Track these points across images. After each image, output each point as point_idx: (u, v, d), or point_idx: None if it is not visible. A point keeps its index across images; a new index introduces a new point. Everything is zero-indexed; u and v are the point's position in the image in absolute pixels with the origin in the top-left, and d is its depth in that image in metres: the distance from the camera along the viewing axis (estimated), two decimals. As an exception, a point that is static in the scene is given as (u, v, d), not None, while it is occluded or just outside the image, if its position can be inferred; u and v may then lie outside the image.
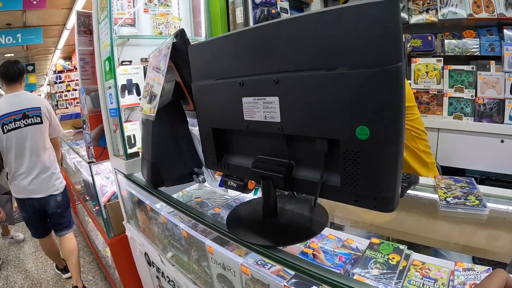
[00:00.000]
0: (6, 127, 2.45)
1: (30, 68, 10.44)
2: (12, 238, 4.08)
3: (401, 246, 1.06)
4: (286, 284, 0.85)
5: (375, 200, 0.66)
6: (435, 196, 1.20)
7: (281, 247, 0.82)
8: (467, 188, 1.19)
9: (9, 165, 2.56)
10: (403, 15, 2.84)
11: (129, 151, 1.73)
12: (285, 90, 0.71)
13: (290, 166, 0.78)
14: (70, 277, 2.90)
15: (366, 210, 0.68)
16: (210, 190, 1.51)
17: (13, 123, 2.47)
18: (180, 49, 1.13)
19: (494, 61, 2.56)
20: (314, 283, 0.81)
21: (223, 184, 1.06)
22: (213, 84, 0.90)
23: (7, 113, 2.46)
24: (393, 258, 1.01)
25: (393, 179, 0.63)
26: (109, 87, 1.75)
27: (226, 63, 0.86)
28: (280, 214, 0.90)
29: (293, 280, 0.88)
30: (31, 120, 2.54)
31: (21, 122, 2.50)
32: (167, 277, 1.47)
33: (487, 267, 0.95)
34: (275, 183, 0.80)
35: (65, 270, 3.12)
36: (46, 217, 2.75)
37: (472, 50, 2.71)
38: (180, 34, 1.14)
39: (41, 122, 2.59)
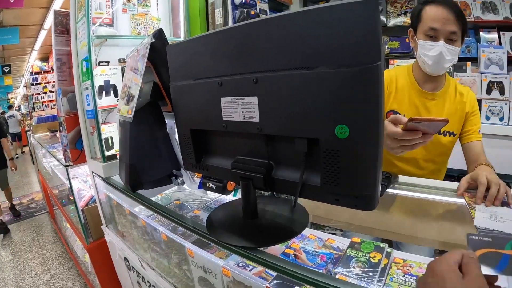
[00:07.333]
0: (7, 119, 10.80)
1: (6, 69, 10.21)
2: None
3: (382, 245, 1.07)
4: (268, 285, 0.85)
5: (356, 199, 0.65)
6: (416, 194, 1.22)
7: (262, 248, 0.81)
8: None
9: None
10: (381, 17, 2.88)
11: (107, 153, 1.69)
12: (264, 90, 0.70)
13: (269, 167, 0.77)
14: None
15: (345, 210, 0.68)
16: (190, 192, 1.50)
17: (8, 117, 10.81)
18: (158, 50, 1.11)
19: (470, 63, 2.63)
20: (297, 284, 0.80)
21: (202, 186, 1.04)
22: (192, 84, 0.88)
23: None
24: (375, 256, 1.01)
25: (373, 178, 0.62)
26: (86, 88, 1.71)
27: (205, 63, 0.85)
28: (261, 215, 0.89)
29: (275, 281, 0.87)
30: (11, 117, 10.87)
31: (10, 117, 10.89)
32: (148, 282, 1.44)
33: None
34: (255, 184, 0.79)
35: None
36: (16, 137, 10.96)
37: (449, 51, 2.76)
38: (159, 34, 1.12)
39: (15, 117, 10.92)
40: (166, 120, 1.24)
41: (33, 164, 6.59)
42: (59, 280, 3.22)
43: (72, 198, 2.30)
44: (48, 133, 5.18)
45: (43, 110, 9.11)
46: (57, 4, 4.90)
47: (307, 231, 1.25)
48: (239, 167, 0.81)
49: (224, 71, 0.78)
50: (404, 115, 1.49)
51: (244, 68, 0.74)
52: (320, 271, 0.95)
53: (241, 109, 0.75)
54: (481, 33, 2.68)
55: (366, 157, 0.62)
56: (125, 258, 1.64)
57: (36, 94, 9.47)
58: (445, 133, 1.49)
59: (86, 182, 2.51)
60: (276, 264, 0.74)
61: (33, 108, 9.21)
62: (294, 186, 0.72)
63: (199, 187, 1.16)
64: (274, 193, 0.81)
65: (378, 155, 0.61)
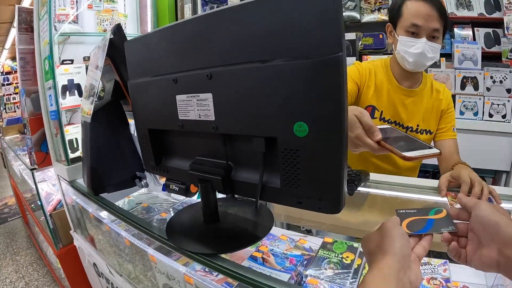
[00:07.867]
0: None
1: (-25, 69, 9.87)
2: None
3: (355, 244, 1.05)
4: (230, 292, 0.81)
5: (319, 202, 0.61)
6: (391, 193, 1.20)
7: (223, 255, 0.77)
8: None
9: None
10: (355, 14, 2.87)
11: (72, 155, 1.62)
12: (218, 86, 0.65)
13: (228, 168, 0.73)
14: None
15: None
16: (158, 195, 1.44)
17: None
18: (117, 46, 1.05)
19: (444, 58, 2.64)
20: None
21: (165, 188, 0.99)
22: (148, 81, 0.83)
23: None
24: (347, 257, 0.99)
25: (337, 178, 0.58)
26: (49, 88, 1.64)
27: (160, 59, 0.80)
28: (223, 219, 0.84)
29: (238, 288, 0.83)
30: None
31: None
32: (116, 288, 1.39)
33: (444, 260, 0.95)
34: (214, 186, 0.74)
35: None
36: None
37: (423, 47, 2.78)
38: (117, 30, 1.06)
39: None
40: (129, 120, 1.18)
41: (5, 167, 6.37)
42: (34, 287, 3.13)
43: (39, 203, 2.21)
44: (18, 135, 5.01)
45: (14, 112, 8.76)
46: (27, 1, 4.72)
47: (278, 232, 1.21)
48: (197, 169, 0.77)
49: (179, 66, 0.73)
50: (382, 112, 1.47)
51: (199, 63, 0.69)
52: (289, 274, 0.91)
53: (196, 107, 0.71)
54: (455, 29, 2.70)
55: (328, 157, 0.58)
56: (94, 264, 1.58)
57: (7, 94, 9.13)
58: (421, 131, 1.47)
59: (55, 185, 2.42)
60: (236, 272, 0.70)
61: (5, 109, 8.89)
62: (255, 188, 0.68)
63: (163, 189, 1.11)
64: (236, 195, 0.77)
65: (341, 154, 0.57)
